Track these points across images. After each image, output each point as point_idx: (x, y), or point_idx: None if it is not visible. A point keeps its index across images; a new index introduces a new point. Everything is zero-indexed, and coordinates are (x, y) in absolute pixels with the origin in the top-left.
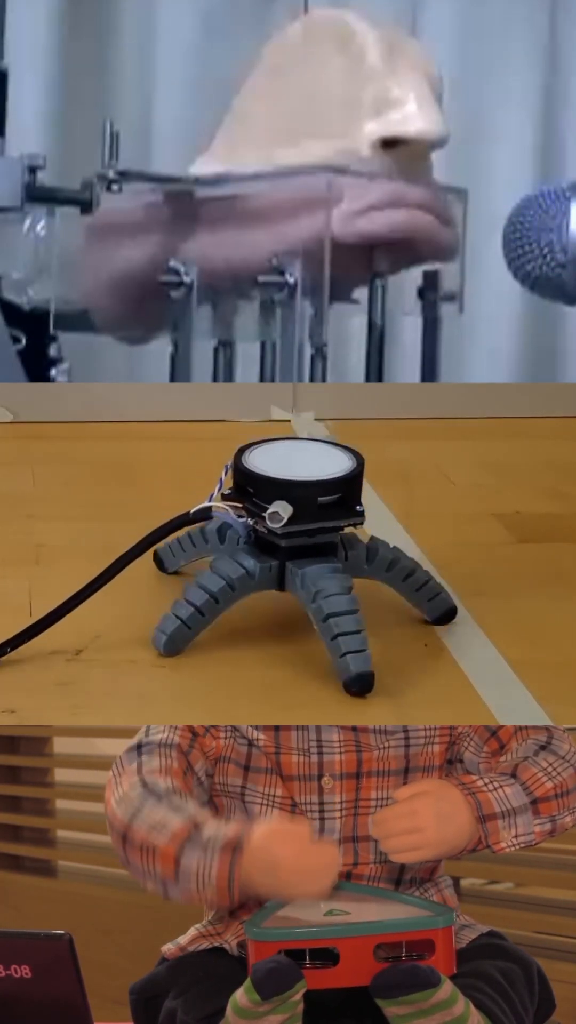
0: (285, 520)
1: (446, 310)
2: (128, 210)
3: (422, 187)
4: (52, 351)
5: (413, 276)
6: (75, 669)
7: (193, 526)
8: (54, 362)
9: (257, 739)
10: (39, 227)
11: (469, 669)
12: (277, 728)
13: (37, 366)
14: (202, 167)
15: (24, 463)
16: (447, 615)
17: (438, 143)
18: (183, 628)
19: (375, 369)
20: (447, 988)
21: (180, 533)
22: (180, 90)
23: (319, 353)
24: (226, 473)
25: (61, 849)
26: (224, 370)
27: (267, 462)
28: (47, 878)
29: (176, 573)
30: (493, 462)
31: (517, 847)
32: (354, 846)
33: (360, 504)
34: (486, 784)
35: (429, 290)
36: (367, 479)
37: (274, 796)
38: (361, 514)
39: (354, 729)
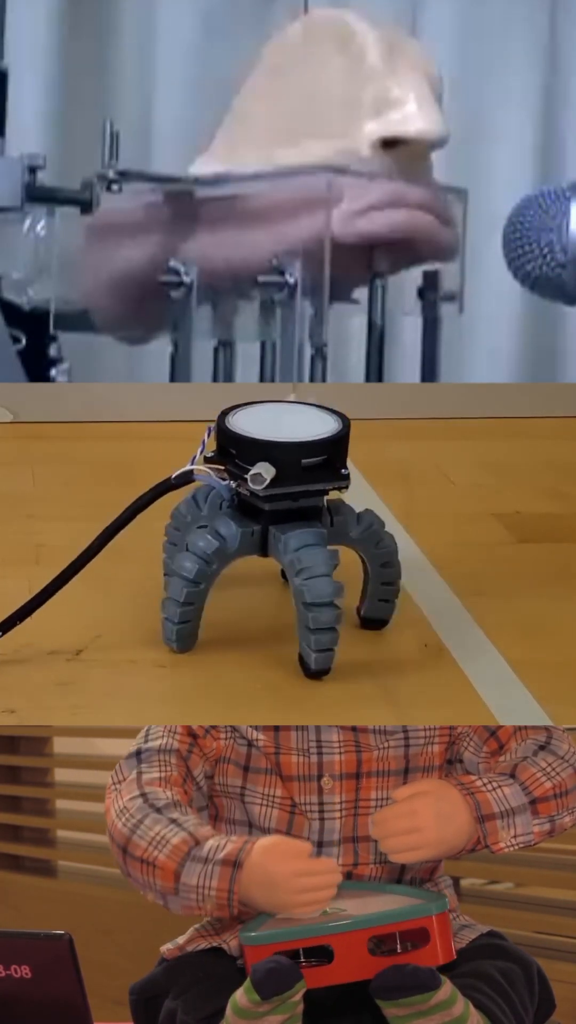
0: (268, 482)
1: (446, 310)
2: (128, 210)
3: (422, 187)
4: (52, 351)
5: (413, 276)
6: (75, 669)
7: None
8: (54, 362)
9: (257, 739)
10: (39, 227)
11: (469, 669)
12: (277, 728)
13: (37, 366)
14: (202, 167)
15: (24, 463)
16: (379, 623)
17: (438, 143)
18: (182, 626)
19: (375, 369)
20: (447, 988)
21: (170, 534)
22: (180, 90)
23: (319, 353)
24: (209, 435)
25: (61, 849)
26: (224, 370)
27: (251, 423)
28: (47, 878)
29: None
30: (493, 462)
31: (516, 847)
32: (354, 846)
33: (346, 467)
34: (485, 784)
35: (429, 290)
36: (367, 479)
37: (274, 796)
38: (346, 477)
39: (354, 729)
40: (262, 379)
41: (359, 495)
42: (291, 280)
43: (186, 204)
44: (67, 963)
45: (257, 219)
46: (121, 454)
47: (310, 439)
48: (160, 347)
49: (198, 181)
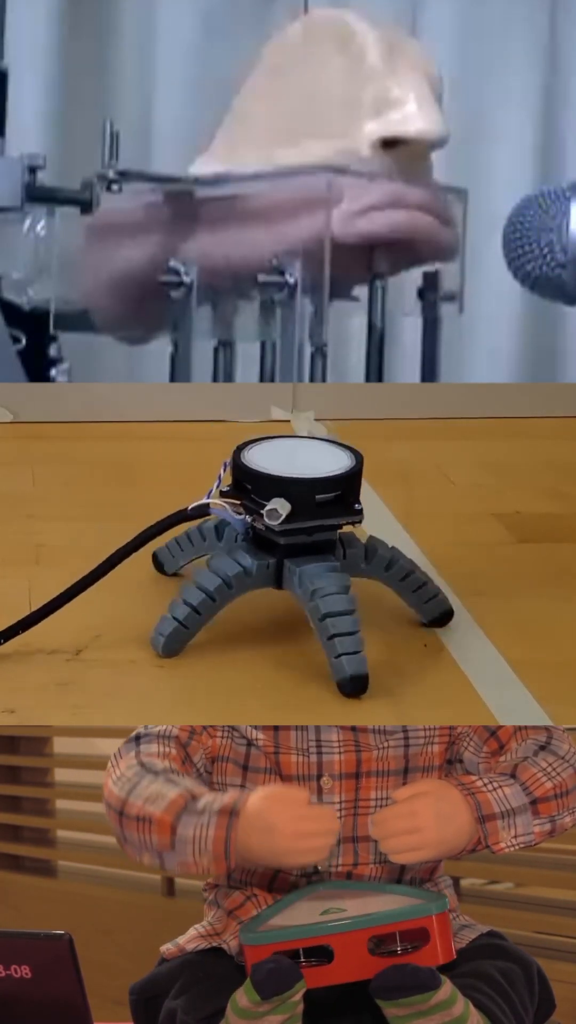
0: (283, 517)
1: (446, 310)
2: (128, 210)
3: (422, 187)
4: (52, 351)
5: (413, 276)
6: (75, 669)
7: (191, 524)
8: (54, 362)
9: (256, 739)
10: (39, 227)
11: (469, 669)
12: (276, 728)
13: (37, 366)
14: (202, 167)
15: (24, 463)
16: (444, 617)
17: (438, 143)
18: (180, 629)
19: (375, 369)
20: (447, 988)
21: (178, 533)
22: (180, 90)
23: (319, 353)
24: (225, 470)
25: (61, 849)
26: (224, 370)
27: (266, 459)
28: (47, 878)
29: (176, 575)
30: (493, 462)
31: (517, 847)
32: (354, 846)
33: (359, 503)
34: (485, 784)
35: (429, 290)
36: (367, 479)
37: None
38: (360, 512)
39: (353, 729)
40: (262, 379)
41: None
42: (291, 280)
43: (186, 204)
44: (67, 963)
45: (257, 219)
46: (121, 454)
47: (324, 475)
48: (160, 347)
49: (198, 181)
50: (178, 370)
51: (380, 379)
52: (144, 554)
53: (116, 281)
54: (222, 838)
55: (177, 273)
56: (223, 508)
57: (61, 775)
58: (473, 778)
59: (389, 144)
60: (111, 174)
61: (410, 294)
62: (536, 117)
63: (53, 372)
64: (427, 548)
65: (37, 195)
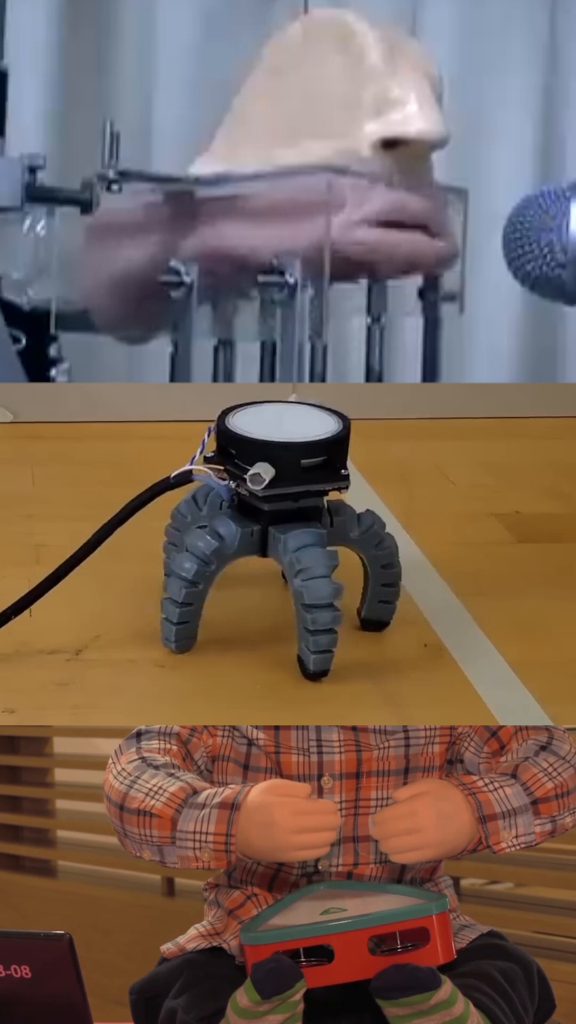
0: (267, 482)
1: (446, 310)
2: (128, 210)
3: (422, 195)
4: (52, 351)
5: (413, 276)
6: (75, 669)
7: (182, 523)
8: (54, 362)
9: (257, 738)
10: (39, 227)
11: (469, 669)
12: (277, 728)
13: (37, 366)
14: (202, 167)
15: (24, 463)
16: (379, 624)
17: (439, 143)
18: (181, 627)
19: (375, 369)
20: (447, 988)
21: (167, 529)
22: (180, 90)
23: (319, 353)
24: (209, 435)
25: (61, 849)
26: (224, 370)
27: (251, 424)
28: (47, 878)
29: None
30: (493, 462)
31: (517, 847)
32: (354, 846)
33: (346, 468)
34: (487, 784)
35: (429, 290)
36: (367, 479)
37: None
38: (346, 478)
39: (354, 729)
40: (262, 379)
41: (359, 495)
42: (291, 280)
43: (186, 204)
44: (67, 963)
45: (257, 219)
46: (121, 454)
47: (310, 439)
48: (160, 347)
49: (198, 181)
50: (178, 370)
51: (380, 379)
52: (145, 554)
53: (116, 281)
54: (223, 833)
55: (177, 273)
56: (206, 474)
57: (61, 775)
58: (474, 778)
59: (389, 144)
60: (111, 174)
61: (410, 294)
62: (536, 117)
63: (53, 372)
64: (427, 548)
65: (37, 195)
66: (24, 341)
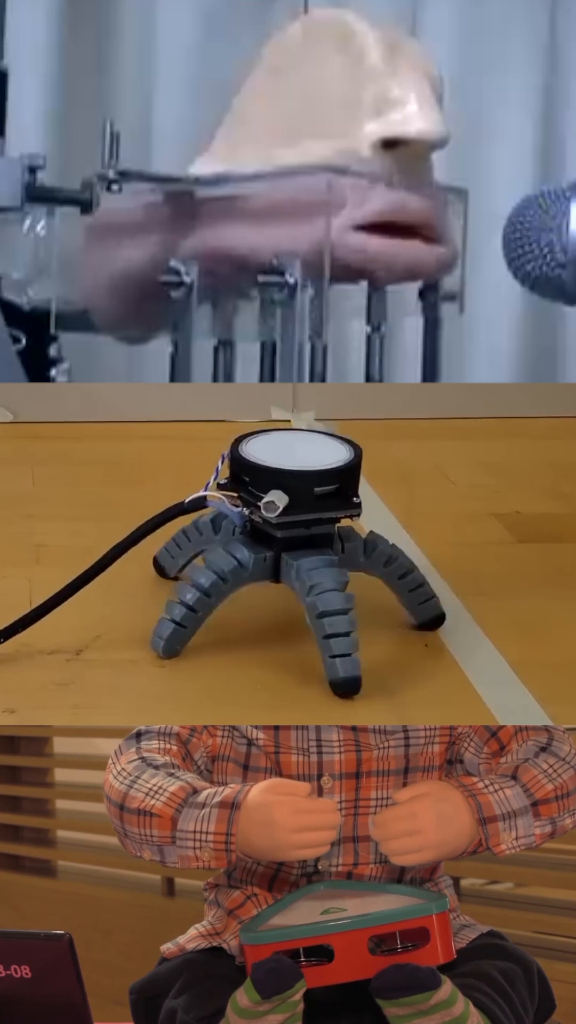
0: (280, 510)
1: (446, 310)
2: (128, 210)
3: (422, 196)
4: (52, 351)
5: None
6: (75, 669)
7: (187, 520)
8: (54, 362)
9: (257, 738)
10: (39, 227)
11: (469, 669)
12: (277, 728)
13: (37, 366)
14: (202, 167)
15: (24, 463)
16: (436, 621)
17: (439, 144)
18: (178, 629)
19: (375, 369)
20: (447, 988)
21: (174, 531)
22: (180, 90)
23: (319, 353)
24: (223, 462)
25: (61, 849)
26: (224, 370)
27: (264, 451)
28: (47, 878)
29: (176, 578)
30: (493, 462)
31: (518, 849)
32: (354, 846)
33: (357, 496)
34: (487, 786)
35: (429, 290)
36: (367, 479)
37: None
38: (358, 506)
39: (354, 729)
40: (262, 379)
41: (359, 495)
42: (291, 280)
43: (186, 204)
44: (67, 963)
45: (257, 219)
46: (121, 454)
47: (322, 468)
48: (160, 347)
49: (198, 181)
50: (178, 370)
51: (380, 379)
52: (145, 554)
53: (116, 281)
54: (223, 832)
55: (177, 273)
56: (220, 500)
57: (61, 775)
58: (474, 779)
59: (389, 144)
60: (111, 174)
61: (410, 294)
62: (536, 117)
63: (53, 372)
64: (427, 548)
65: (37, 195)
66: (24, 341)
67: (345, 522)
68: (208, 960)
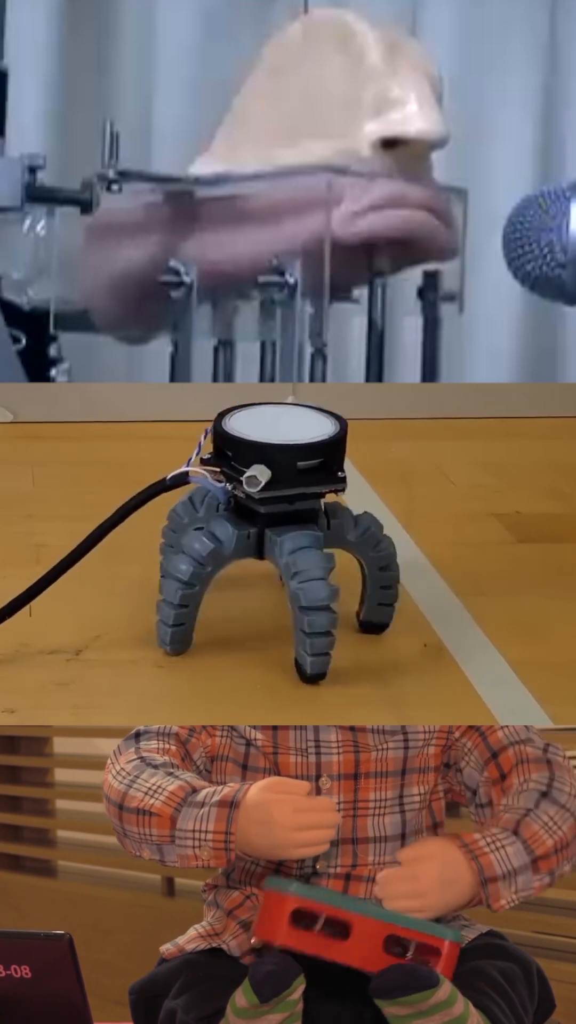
0: (263, 484)
1: (446, 310)
2: (128, 210)
3: (422, 187)
4: (52, 351)
5: (413, 276)
6: (75, 669)
7: (175, 523)
8: (54, 362)
9: (255, 739)
10: (39, 227)
11: (469, 669)
12: (275, 728)
13: (37, 366)
14: (202, 167)
15: (24, 463)
16: (379, 627)
17: (438, 143)
18: (177, 629)
19: (375, 369)
20: (446, 988)
21: (163, 531)
22: (180, 90)
23: (319, 353)
24: (205, 437)
25: (61, 849)
26: (224, 370)
27: (247, 425)
28: (47, 878)
29: None
30: (493, 462)
31: (515, 903)
32: (353, 848)
33: (343, 470)
34: (488, 844)
35: (429, 290)
36: (367, 479)
37: None
38: (343, 480)
39: (352, 729)
40: (262, 379)
41: (359, 495)
42: (291, 280)
43: (186, 204)
44: (67, 963)
45: (257, 219)
46: (121, 454)
47: (306, 441)
48: (160, 347)
49: (198, 181)
50: (178, 370)
51: (380, 379)
52: (144, 554)
53: (116, 281)
54: (222, 831)
55: (177, 273)
56: (203, 476)
57: (61, 775)
58: (476, 837)
59: (389, 144)
60: (111, 174)
61: (410, 294)
62: (536, 117)
63: (53, 372)
64: (427, 548)
65: (37, 195)
66: (24, 341)
67: (332, 498)
68: (208, 961)
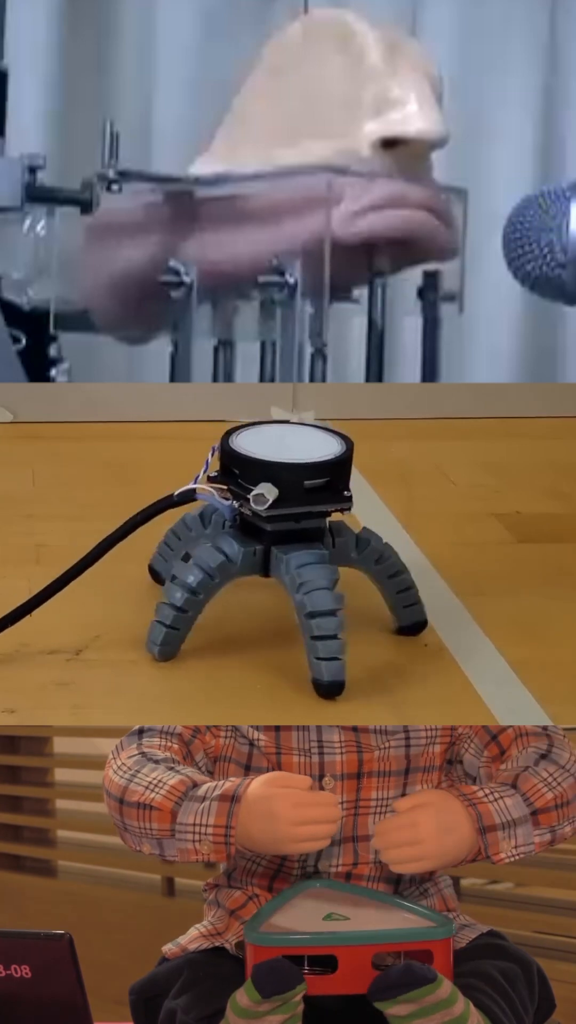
0: (270, 502)
1: (446, 310)
2: (128, 210)
3: (423, 187)
4: (52, 351)
5: (413, 276)
6: (75, 669)
7: (177, 518)
8: (54, 362)
9: (258, 740)
10: (39, 227)
11: (469, 669)
12: (278, 728)
13: (37, 366)
14: (202, 167)
15: (24, 463)
16: (417, 627)
17: (438, 143)
18: (171, 632)
19: (375, 369)
20: (447, 987)
21: (166, 532)
22: (180, 90)
23: (319, 353)
24: (213, 455)
25: (61, 849)
26: (224, 370)
27: (254, 444)
28: (47, 878)
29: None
30: (493, 462)
31: (516, 858)
32: (354, 846)
33: (348, 489)
34: (487, 795)
35: (429, 290)
36: (367, 479)
37: None
38: (349, 499)
39: (354, 729)
40: (262, 379)
41: (359, 495)
42: (291, 280)
43: (186, 204)
44: (67, 963)
45: (257, 219)
46: (121, 454)
47: (313, 460)
48: (160, 347)
49: (198, 181)
50: (178, 370)
51: (380, 379)
52: (144, 554)
53: (116, 281)
54: (223, 825)
55: (177, 273)
56: (210, 493)
57: (61, 775)
58: (474, 788)
59: (389, 144)
60: (111, 174)
61: (410, 294)
62: (536, 117)
63: (53, 372)
64: (427, 548)
65: (37, 195)
66: (24, 341)
67: (337, 517)
68: (209, 960)
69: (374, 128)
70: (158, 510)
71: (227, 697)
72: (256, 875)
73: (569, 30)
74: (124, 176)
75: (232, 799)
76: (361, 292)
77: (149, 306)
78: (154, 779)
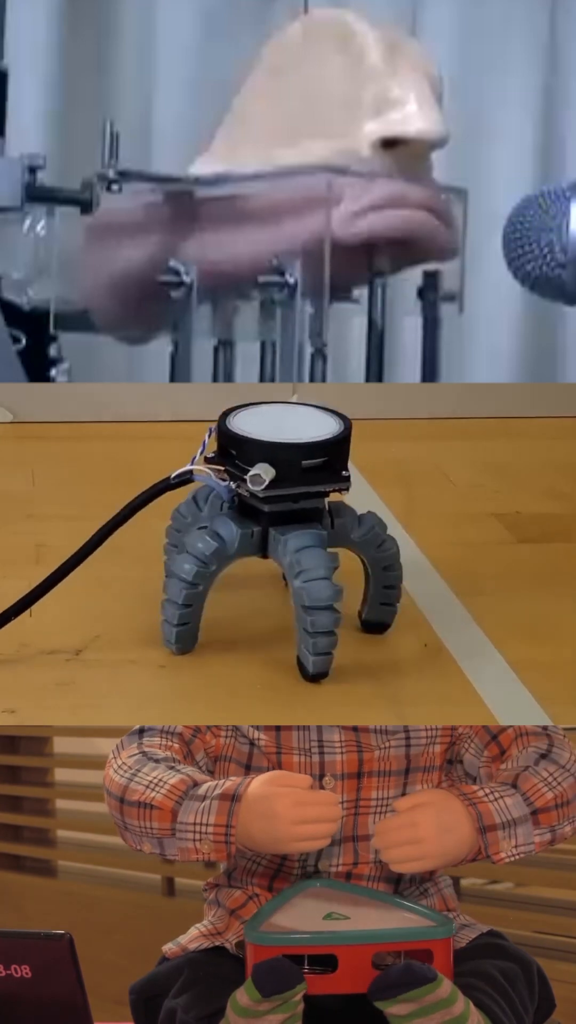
0: (267, 483)
1: (446, 310)
2: (128, 210)
3: (422, 187)
4: (52, 351)
5: (413, 276)
6: (75, 669)
7: (178, 524)
8: (54, 362)
9: (258, 739)
10: (39, 227)
11: (469, 669)
12: (278, 728)
13: (37, 366)
14: (202, 167)
15: (24, 463)
16: (382, 627)
17: (438, 143)
18: (182, 628)
19: (375, 369)
20: (447, 987)
21: (167, 533)
22: (180, 90)
23: (319, 353)
24: (209, 436)
25: (61, 849)
26: (224, 370)
27: (252, 424)
28: (47, 878)
29: None
30: (493, 462)
31: (516, 857)
32: (354, 845)
33: (347, 469)
34: (487, 794)
35: (429, 290)
36: (367, 479)
37: None
38: (347, 479)
39: (355, 729)
40: (262, 379)
41: (359, 495)
42: (291, 280)
43: (186, 204)
44: (67, 963)
45: (257, 219)
46: (121, 454)
47: (310, 440)
48: (160, 347)
49: (198, 181)
50: (178, 370)
51: (380, 379)
52: (145, 554)
53: (116, 281)
54: (223, 824)
55: (177, 273)
56: (207, 474)
57: (61, 775)
58: (475, 788)
59: (389, 144)
60: (111, 174)
61: (410, 294)
62: (536, 117)
63: (53, 372)
64: (427, 548)
65: (37, 195)
66: (24, 341)
67: (336, 497)
68: (209, 960)
69: (374, 128)
70: (155, 493)
71: (227, 697)
72: (256, 874)
73: (569, 30)
74: (124, 176)
75: (232, 798)
76: (361, 292)
77: (149, 306)
78: (155, 778)
